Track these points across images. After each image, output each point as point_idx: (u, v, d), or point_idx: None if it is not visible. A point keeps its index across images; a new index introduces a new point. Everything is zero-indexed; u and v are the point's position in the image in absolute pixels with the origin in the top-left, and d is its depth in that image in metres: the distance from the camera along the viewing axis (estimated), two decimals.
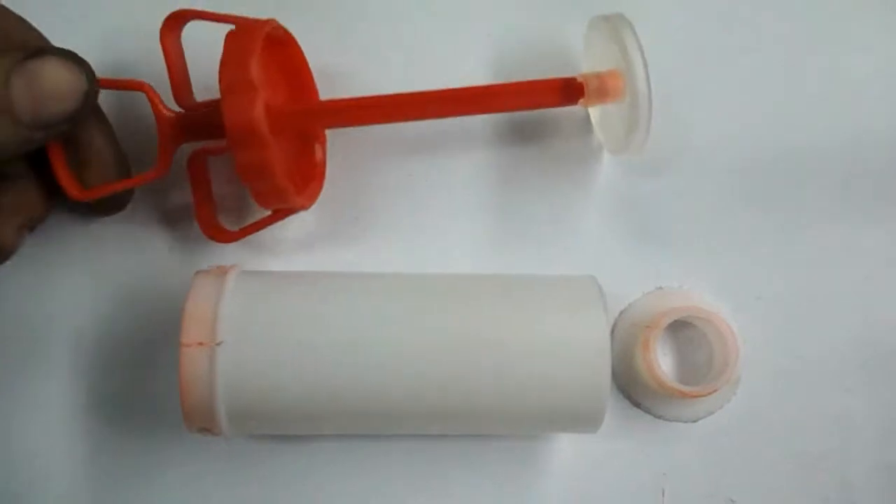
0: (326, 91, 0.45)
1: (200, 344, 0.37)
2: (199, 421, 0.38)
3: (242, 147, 0.38)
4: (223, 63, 0.38)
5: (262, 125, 0.37)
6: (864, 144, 0.46)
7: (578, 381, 0.37)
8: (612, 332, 0.45)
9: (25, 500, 0.44)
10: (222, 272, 0.40)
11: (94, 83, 0.38)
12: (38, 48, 0.37)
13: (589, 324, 0.38)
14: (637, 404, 0.44)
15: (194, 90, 0.43)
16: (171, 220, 0.45)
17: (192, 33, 0.41)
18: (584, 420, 0.39)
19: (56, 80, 0.36)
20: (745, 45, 0.46)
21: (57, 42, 0.44)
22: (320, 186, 0.45)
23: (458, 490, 0.44)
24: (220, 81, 0.38)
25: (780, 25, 0.46)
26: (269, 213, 0.43)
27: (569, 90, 0.41)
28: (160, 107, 0.41)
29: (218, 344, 0.37)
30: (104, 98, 0.44)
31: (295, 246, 0.45)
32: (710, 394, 0.42)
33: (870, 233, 0.45)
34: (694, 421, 0.44)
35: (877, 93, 0.46)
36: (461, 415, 0.38)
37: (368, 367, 0.37)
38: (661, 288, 0.45)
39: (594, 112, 0.45)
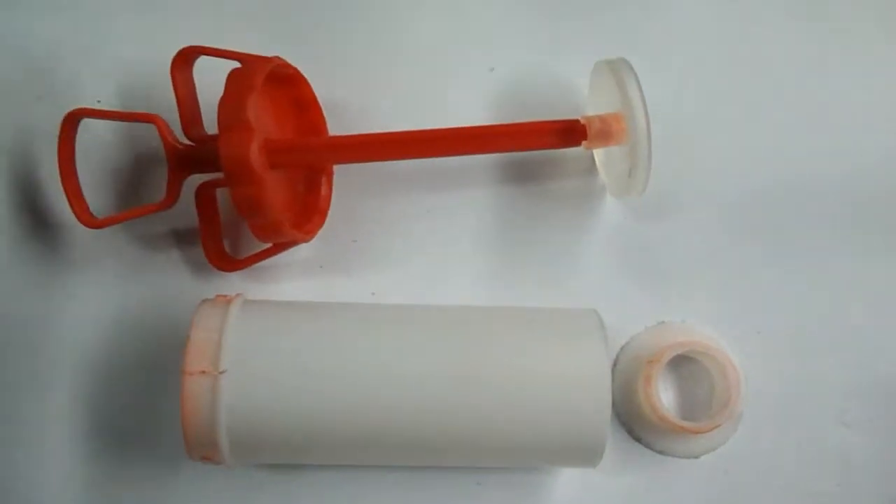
0: (335, 124, 0.46)
1: (203, 372, 0.37)
2: (201, 449, 0.38)
3: (237, 183, 0.39)
4: (222, 101, 0.39)
5: (256, 163, 0.38)
6: (864, 180, 0.46)
7: (578, 415, 0.37)
8: (614, 366, 0.45)
9: None
10: (227, 301, 0.40)
11: None
12: None
13: (589, 357, 0.38)
14: (638, 439, 0.44)
15: (208, 123, 0.43)
16: (178, 247, 0.46)
17: (207, 67, 0.42)
18: (583, 454, 0.39)
19: None
20: (745, 83, 0.47)
21: (72, 71, 0.46)
22: (323, 220, 0.45)
23: None
24: (218, 119, 0.39)
25: (780, 63, 0.47)
26: None
27: (571, 132, 0.42)
28: (169, 139, 0.42)
29: (221, 373, 0.37)
30: (117, 128, 0.46)
31: (298, 273, 0.46)
32: (711, 429, 0.42)
33: (871, 268, 0.46)
34: (696, 457, 0.44)
35: (877, 127, 0.47)
36: (461, 446, 0.38)
37: (370, 399, 0.37)
38: (662, 322, 0.45)
39: (598, 154, 0.46)
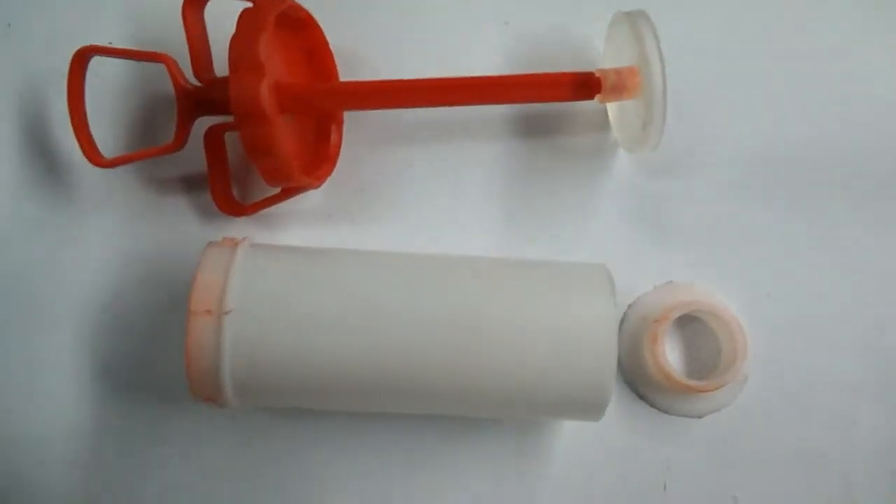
0: (348, 73, 0.45)
1: (208, 312, 0.37)
2: (205, 390, 0.38)
3: (247, 124, 0.38)
4: (233, 41, 0.39)
5: (266, 103, 0.38)
6: (878, 148, 0.46)
7: (583, 367, 0.37)
8: (621, 324, 0.45)
9: (30, 461, 0.44)
10: (233, 244, 0.40)
11: None
12: None
13: (597, 311, 0.38)
14: (643, 397, 0.44)
15: (219, 66, 0.43)
16: (187, 191, 0.45)
17: (220, 10, 0.41)
18: (587, 407, 0.38)
19: None
20: (765, 45, 0.46)
21: (83, 15, 0.46)
22: (332, 167, 0.45)
23: (460, 474, 0.44)
24: (228, 58, 0.38)
25: (793, 26, 0.46)
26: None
27: (586, 85, 0.41)
28: (179, 79, 0.42)
29: (226, 313, 0.37)
30: (124, 68, 0.45)
31: (306, 221, 0.46)
32: (716, 389, 0.41)
33: (881, 235, 0.45)
34: (699, 416, 0.44)
35: (892, 92, 0.46)
36: (464, 395, 0.38)
37: (374, 344, 0.37)
38: (671, 282, 0.45)
39: (612, 108, 0.45)
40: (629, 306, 0.45)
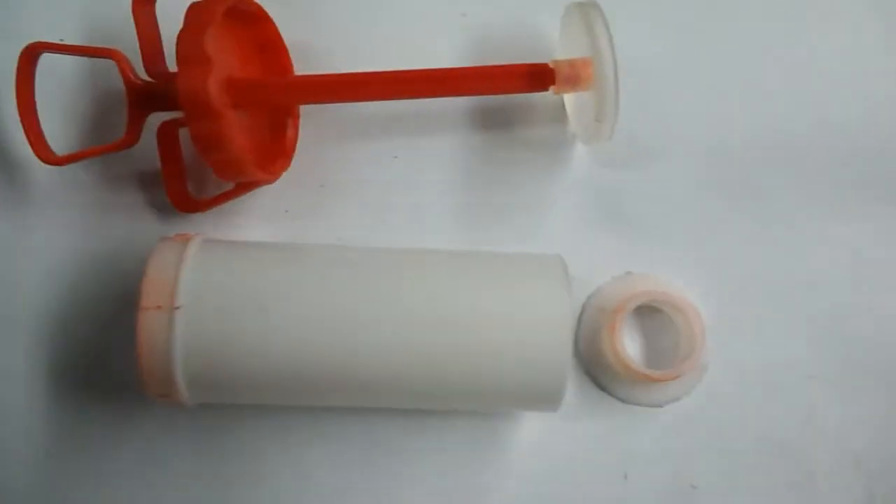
0: (302, 67, 0.45)
1: (159, 307, 0.36)
2: (159, 387, 0.38)
3: (195, 119, 0.38)
4: (180, 35, 0.38)
5: (214, 97, 0.37)
6: (837, 136, 0.46)
7: (539, 357, 0.37)
8: (580, 315, 0.44)
9: None
10: (185, 239, 0.39)
11: None
12: None
13: (551, 301, 0.38)
14: (602, 388, 0.44)
15: (171, 62, 0.42)
16: (142, 189, 0.45)
17: (172, 5, 0.40)
18: (544, 398, 0.38)
19: None
20: (720, 35, 0.46)
21: (34, 9, 0.45)
22: (288, 162, 0.45)
23: (420, 466, 0.44)
24: (176, 53, 0.38)
25: (756, 15, 0.46)
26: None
27: (539, 76, 0.41)
28: (129, 75, 0.41)
29: (177, 308, 0.36)
30: (77, 65, 0.45)
31: (264, 218, 0.45)
32: (674, 378, 0.42)
33: (837, 224, 0.45)
34: (659, 406, 0.44)
35: (853, 84, 0.46)
36: (420, 388, 0.38)
37: (325, 339, 0.37)
38: (629, 273, 0.45)
39: (569, 100, 0.45)
40: (588, 297, 0.44)
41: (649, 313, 0.44)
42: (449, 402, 0.40)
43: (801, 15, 0.46)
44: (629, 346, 0.43)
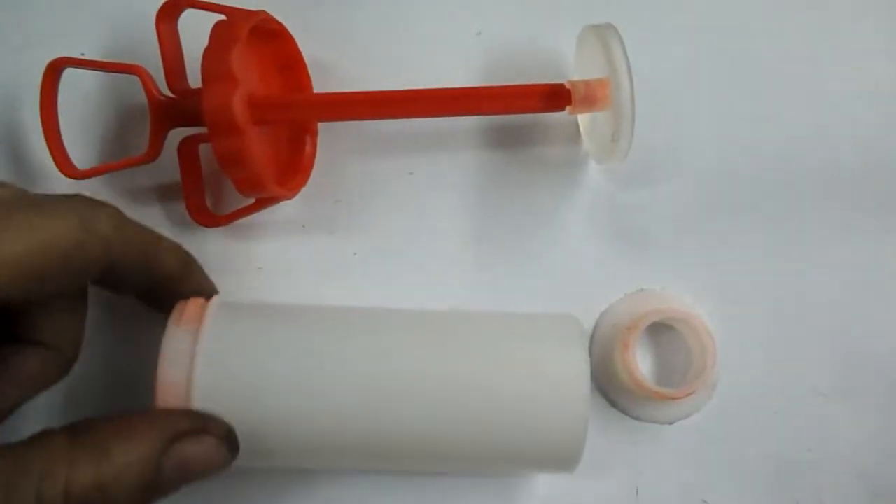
0: (321, 84, 0.46)
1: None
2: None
3: (219, 135, 0.38)
4: (206, 52, 0.39)
5: (239, 114, 0.38)
6: (846, 156, 0.46)
7: (555, 426, 0.37)
8: (593, 332, 0.45)
9: None
10: (195, 321, 0.37)
11: (236, 452, 0.35)
12: (197, 427, 0.34)
13: (568, 366, 0.37)
14: (614, 404, 0.45)
15: (193, 78, 0.43)
16: (161, 202, 0.45)
17: (194, 22, 0.41)
18: (560, 463, 0.38)
19: (207, 464, 0.34)
20: (731, 56, 0.47)
21: (56, 25, 0.46)
22: (306, 178, 0.45)
23: None
24: (201, 70, 0.39)
25: (767, 37, 0.47)
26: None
27: (556, 96, 0.41)
28: (153, 91, 0.42)
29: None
30: (98, 79, 0.45)
31: (281, 232, 0.46)
32: (686, 396, 0.42)
33: (849, 242, 0.46)
34: (670, 423, 0.44)
35: (862, 104, 0.47)
36: (433, 453, 0.37)
37: (341, 405, 0.36)
38: (642, 290, 0.45)
39: (583, 120, 0.46)
40: (601, 314, 0.45)
41: (660, 330, 0.45)
42: (460, 465, 0.40)
43: (812, 37, 0.47)
44: (640, 363, 0.44)
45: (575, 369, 0.37)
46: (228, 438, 0.35)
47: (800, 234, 0.46)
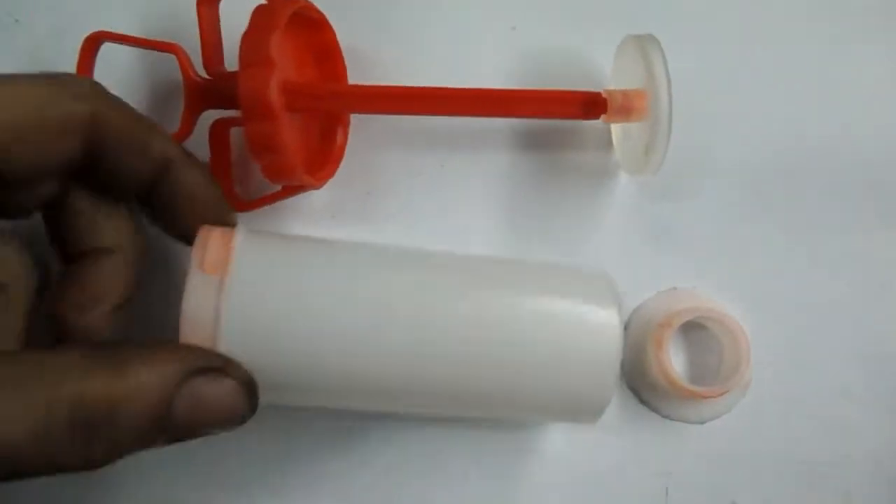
0: (356, 75, 0.46)
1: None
2: None
3: (252, 119, 0.38)
4: (245, 36, 0.39)
5: (274, 99, 0.37)
6: (879, 156, 0.47)
7: (585, 371, 0.37)
8: (625, 329, 0.45)
9: None
10: (220, 264, 0.35)
11: (255, 407, 0.34)
12: (217, 366, 0.33)
13: (600, 316, 0.37)
14: (645, 403, 0.44)
15: (230, 62, 0.43)
16: None
17: (233, 6, 0.41)
18: (586, 410, 0.38)
19: (222, 409, 0.33)
20: (758, 59, 0.48)
21: (91, 9, 0.46)
22: (335, 168, 0.45)
23: (457, 478, 0.44)
24: (239, 53, 0.38)
25: (793, 39, 0.48)
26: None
27: (592, 104, 0.42)
28: (189, 71, 0.41)
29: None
30: (131, 57, 0.45)
31: (310, 221, 0.45)
32: (719, 395, 0.42)
33: (881, 242, 0.46)
34: (701, 423, 0.44)
35: (892, 102, 0.48)
36: (464, 395, 0.37)
37: (367, 340, 0.36)
38: (675, 288, 0.45)
39: (615, 130, 0.46)
40: (633, 311, 0.45)
41: (693, 328, 0.45)
42: (490, 410, 0.40)
43: (838, 39, 0.48)
44: (673, 360, 0.43)
45: (606, 319, 0.37)
46: (249, 387, 0.33)
47: (834, 235, 0.46)
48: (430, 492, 0.44)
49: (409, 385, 0.37)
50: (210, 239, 0.36)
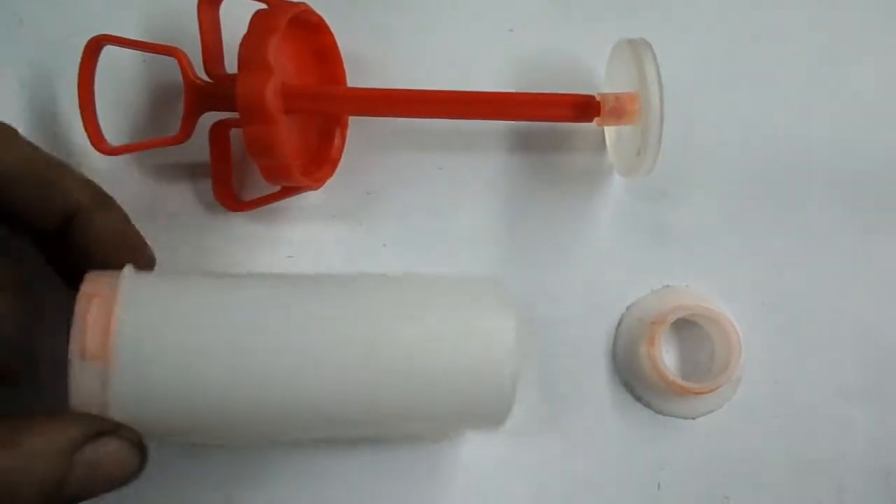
0: (354, 79, 0.46)
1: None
2: None
3: (250, 122, 0.39)
4: (244, 39, 0.39)
5: (271, 103, 0.38)
6: (870, 156, 0.48)
7: (479, 379, 0.36)
8: (618, 326, 0.46)
9: None
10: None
11: (145, 464, 0.34)
12: (106, 430, 0.33)
13: (489, 322, 0.37)
14: (638, 399, 0.45)
15: (230, 65, 0.43)
16: (188, 181, 0.45)
17: (234, 10, 0.42)
18: (488, 418, 0.37)
19: (118, 466, 0.33)
20: (755, 58, 0.48)
21: (98, 5, 0.46)
22: (333, 170, 0.46)
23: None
24: (238, 57, 0.39)
25: (792, 39, 0.49)
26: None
27: (585, 107, 0.43)
28: (189, 73, 0.42)
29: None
30: (137, 64, 0.46)
31: (310, 220, 0.46)
32: (711, 391, 0.43)
33: (873, 242, 0.47)
34: (693, 418, 0.45)
35: (887, 105, 0.48)
36: (363, 418, 0.37)
37: (259, 375, 0.35)
38: (667, 286, 0.46)
39: (609, 132, 0.47)
40: (627, 309, 0.46)
41: (685, 326, 0.46)
42: (390, 428, 0.40)
43: (838, 38, 0.49)
44: (665, 357, 0.44)
45: (497, 324, 0.36)
46: (140, 446, 0.34)
47: (825, 233, 0.47)
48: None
49: (297, 412, 0.36)
50: (88, 320, 0.33)
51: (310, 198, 0.45)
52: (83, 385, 0.33)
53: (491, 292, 0.38)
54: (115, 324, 0.33)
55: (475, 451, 0.45)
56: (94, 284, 0.34)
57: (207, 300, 0.36)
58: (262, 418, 0.36)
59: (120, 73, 0.45)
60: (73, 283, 0.35)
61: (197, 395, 0.34)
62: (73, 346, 0.33)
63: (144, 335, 0.34)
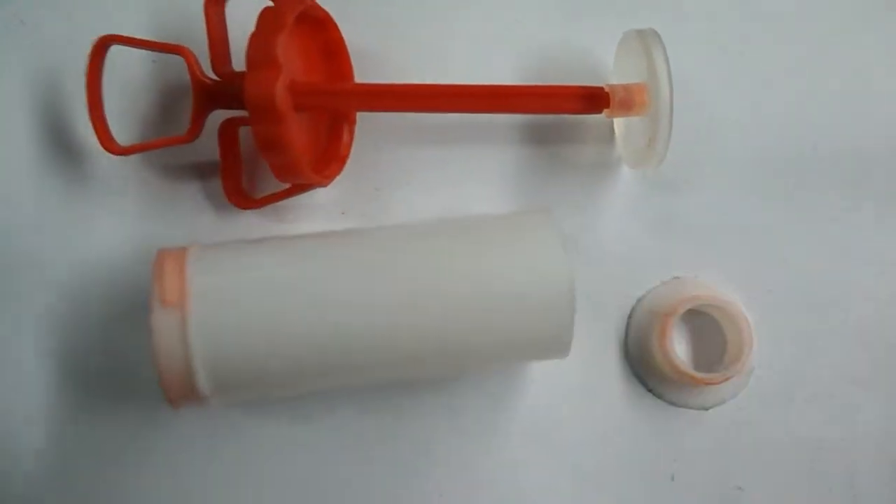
0: (362, 74, 0.46)
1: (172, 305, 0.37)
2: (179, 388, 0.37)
3: (260, 120, 0.39)
4: (252, 37, 0.39)
5: (281, 100, 0.38)
6: (878, 145, 0.48)
7: (542, 307, 0.38)
8: (629, 317, 0.46)
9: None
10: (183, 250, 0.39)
11: None
12: None
13: (546, 255, 0.39)
14: (651, 390, 0.45)
15: (237, 62, 0.43)
16: (198, 180, 0.46)
17: (240, 7, 0.42)
18: (552, 344, 0.39)
19: None
20: (763, 46, 0.48)
21: (106, 5, 0.46)
22: (342, 166, 0.46)
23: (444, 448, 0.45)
24: (246, 55, 0.39)
25: (798, 26, 0.49)
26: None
27: (594, 99, 0.42)
28: (197, 72, 0.42)
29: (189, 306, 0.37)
30: (146, 63, 0.46)
31: (320, 217, 0.46)
32: (723, 381, 0.43)
33: (882, 230, 0.47)
34: (705, 409, 0.45)
35: (890, 94, 0.48)
36: (433, 353, 0.39)
37: (336, 322, 0.37)
38: (678, 277, 0.46)
39: (618, 125, 0.47)
40: (637, 300, 0.46)
41: (696, 317, 0.46)
42: (460, 363, 0.41)
43: (844, 26, 0.49)
44: (677, 348, 0.44)
45: (551, 252, 0.39)
46: None
47: (835, 224, 0.47)
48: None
49: (376, 355, 0.38)
50: (165, 271, 0.37)
51: (319, 195, 0.45)
52: (164, 331, 0.36)
53: (544, 225, 0.40)
54: (188, 273, 0.37)
55: (488, 447, 0.45)
56: (167, 249, 0.39)
57: (267, 248, 0.40)
58: (332, 358, 0.38)
59: (127, 72, 0.45)
60: None
61: (269, 336, 0.37)
62: (153, 297, 0.36)
63: (214, 283, 0.38)
